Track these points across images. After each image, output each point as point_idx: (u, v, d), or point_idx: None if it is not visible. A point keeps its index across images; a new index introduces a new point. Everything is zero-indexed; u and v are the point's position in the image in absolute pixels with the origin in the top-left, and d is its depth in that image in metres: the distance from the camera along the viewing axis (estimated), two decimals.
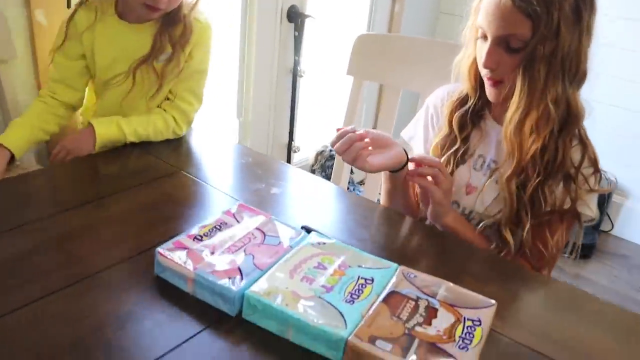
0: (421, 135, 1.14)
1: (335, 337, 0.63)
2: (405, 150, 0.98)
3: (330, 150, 2.47)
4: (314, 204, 1.05)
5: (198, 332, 0.69)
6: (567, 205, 0.96)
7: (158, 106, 1.21)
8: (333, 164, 1.51)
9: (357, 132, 0.92)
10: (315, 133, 2.51)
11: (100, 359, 0.63)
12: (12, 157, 1.12)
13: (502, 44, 0.91)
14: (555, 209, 0.96)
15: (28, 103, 1.29)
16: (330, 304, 0.68)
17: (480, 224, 1.02)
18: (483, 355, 0.64)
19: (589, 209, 0.97)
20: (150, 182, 1.04)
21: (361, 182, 2.63)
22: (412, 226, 1.01)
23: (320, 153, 2.49)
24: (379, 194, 1.20)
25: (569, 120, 0.93)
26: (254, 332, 0.69)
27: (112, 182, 1.04)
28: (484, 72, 0.95)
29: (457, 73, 1.04)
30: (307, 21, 2.13)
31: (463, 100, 1.04)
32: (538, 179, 0.94)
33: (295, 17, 2.10)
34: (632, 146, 2.44)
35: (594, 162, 0.96)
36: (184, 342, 0.67)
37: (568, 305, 0.83)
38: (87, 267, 0.78)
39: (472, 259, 0.93)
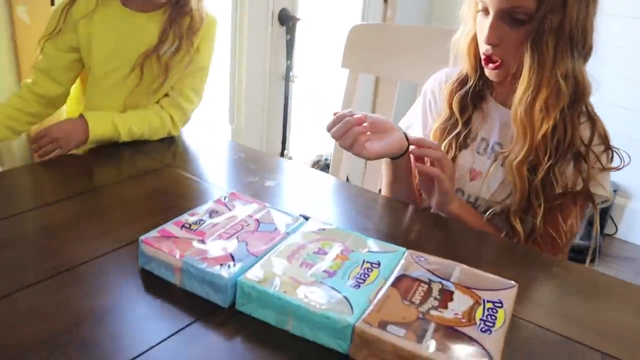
0: (419, 121, 1.08)
1: (341, 323, 0.56)
2: (406, 135, 0.92)
3: (326, 160, 2.40)
4: (311, 195, 0.99)
5: (186, 326, 0.61)
6: (579, 187, 0.90)
7: (156, 102, 1.14)
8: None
9: (355, 116, 0.85)
10: (309, 142, 2.45)
11: (74, 356, 0.55)
12: None
13: (506, 17, 0.86)
14: (567, 191, 0.90)
15: None
16: (334, 289, 0.61)
17: (488, 212, 0.95)
18: (505, 343, 0.57)
19: (603, 188, 0.91)
20: (137, 177, 0.97)
21: None
22: (417, 214, 0.95)
23: (316, 163, 2.42)
24: (379, 190, 1.13)
25: (577, 96, 0.88)
26: (249, 324, 0.62)
27: (95, 178, 0.97)
28: (485, 49, 0.89)
29: (455, 52, 0.98)
30: (299, 24, 2.08)
31: (463, 81, 0.99)
32: (550, 161, 0.88)
33: (286, 20, 2.06)
34: (633, 147, 2.38)
35: (605, 139, 0.91)
36: (169, 337, 0.59)
37: (591, 288, 0.77)
38: (65, 260, 0.70)
39: (484, 245, 0.86)
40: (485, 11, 0.88)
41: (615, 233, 2.61)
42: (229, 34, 1.92)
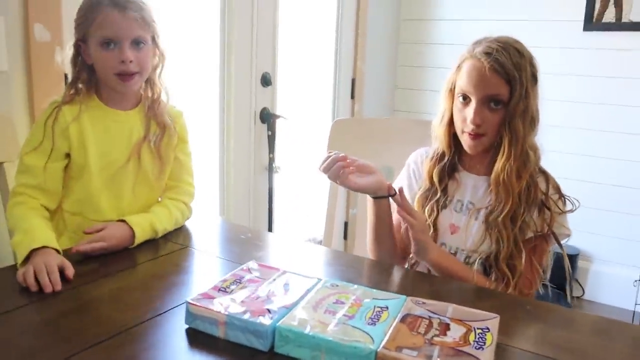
0: (405, 186, 1.26)
1: (365, 350, 0.70)
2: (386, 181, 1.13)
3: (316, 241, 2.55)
4: (316, 263, 1.14)
5: None
6: (546, 229, 1.10)
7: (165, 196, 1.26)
8: None
9: (340, 155, 1.08)
10: (295, 227, 2.61)
11: None
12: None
13: (486, 103, 1.09)
14: (537, 235, 1.10)
15: None
16: (355, 327, 0.75)
17: (472, 261, 1.13)
18: None
19: (565, 227, 1.12)
20: (160, 257, 1.11)
21: None
22: (409, 275, 1.11)
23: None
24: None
25: (536, 160, 1.12)
26: None
27: (123, 260, 1.09)
28: (469, 128, 1.10)
29: (434, 135, 1.21)
30: (279, 121, 2.31)
31: (440, 157, 1.20)
32: (524, 214, 1.09)
33: (267, 118, 2.28)
34: (592, 215, 2.63)
35: (557, 188, 1.13)
36: None
37: (559, 319, 0.93)
38: (118, 325, 0.82)
39: (465, 294, 1.02)
40: (465, 99, 1.11)
41: (583, 295, 2.79)
42: (217, 132, 2.13)
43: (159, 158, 1.22)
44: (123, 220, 1.13)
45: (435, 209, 1.18)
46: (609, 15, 2.50)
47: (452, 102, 1.15)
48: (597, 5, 2.51)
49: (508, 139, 1.08)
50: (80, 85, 1.15)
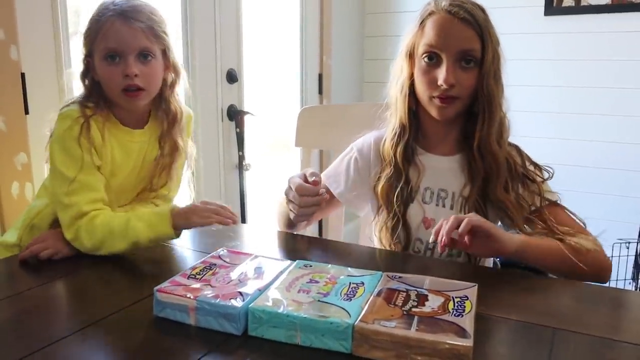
0: (343, 174, 1.19)
1: (342, 325, 0.68)
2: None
3: None
4: (289, 249, 1.11)
5: (203, 356, 0.70)
6: (538, 202, 1.05)
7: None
8: None
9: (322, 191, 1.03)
10: (269, 225, 2.57)
11: None
12: None
13: (458, 61, 1.01)
14: (537, 208, 1.05)
15: None
16: (331, 303, 0.73)
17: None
18: (477, 332, 0.70)
19: (552, 193, 1.08)
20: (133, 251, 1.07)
21: None
22: (384, 256, 1.09)
23: None
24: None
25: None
26: (261, 345, 0.71)
27: (89, 257, 1.04)
28: (440, 91, 1.02)
29: (393, 109, 1.12)
30: (246, 118, 2.28)
31: (401, 134, 1.10)
32: (513, 183, 1.05)
33: (234, 115, 2.25)
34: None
35: (529, 158, 1.10)
36: None
37: (534, 286, 0.92)
38: (83, 319, 0.78)
39: (440, 271, 1.00)
40: (433, 59, 1.02)
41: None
42: None
43: (167, 176, 1.18)
44: None
45: (402, 204, 1.08)
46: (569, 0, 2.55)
47: (412, 68, 1.07)
48: None
49: (486, 102, 1.02)
50: (96, 101, 1.08)
